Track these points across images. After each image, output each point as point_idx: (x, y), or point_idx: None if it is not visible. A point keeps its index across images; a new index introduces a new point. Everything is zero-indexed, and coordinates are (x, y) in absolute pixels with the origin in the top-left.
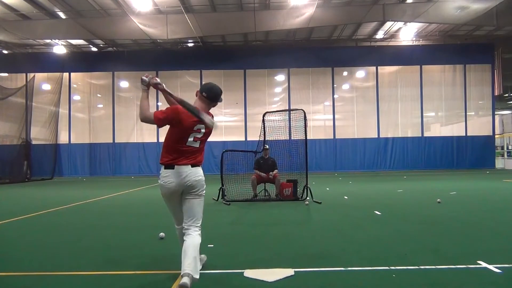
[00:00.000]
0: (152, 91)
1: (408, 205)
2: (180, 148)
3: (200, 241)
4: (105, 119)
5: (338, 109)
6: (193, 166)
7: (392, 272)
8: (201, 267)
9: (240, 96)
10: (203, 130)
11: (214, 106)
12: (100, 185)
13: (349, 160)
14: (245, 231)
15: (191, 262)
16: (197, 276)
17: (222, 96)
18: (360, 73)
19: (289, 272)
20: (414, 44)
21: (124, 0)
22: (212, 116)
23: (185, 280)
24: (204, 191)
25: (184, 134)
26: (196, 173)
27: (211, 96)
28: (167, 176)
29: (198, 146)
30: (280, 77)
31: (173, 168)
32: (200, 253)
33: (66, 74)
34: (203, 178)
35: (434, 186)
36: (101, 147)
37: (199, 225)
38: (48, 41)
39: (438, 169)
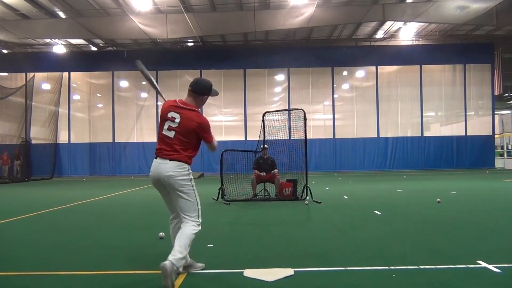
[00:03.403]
0: (151, 90)
1: (408, 205)
2: (160, 136)
3: (191, 231)
4: (105, 118)
5: (338, 109)
6: (170, 160)
7: (391, 272)
8: (187, 266)
9: (240, 95)
10: (177, 120)
11: (202, 99)
12: (100, 184)
13: (349, 160)
14: (245, 231)
15: (175, 250)
16: (177, 265)
17: (218, 92)
18: (360, 73)
19: (289, 272)
20: (414, 43)
21: None
22: (194, 111)
23: (164, 264)
24: (186, 188)
25: (161, 121)
26: (168, 169)
27: (195, 89)
28: (152, 166)
29: (172, 136)
30: (280, 77)
31: (156, 158)
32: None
33: (66, 74)
34: (177, 174)
35: (434, 186)
36: (100, 146)
37: (193, 218)
38: (48, 40)
39: (437, 169)
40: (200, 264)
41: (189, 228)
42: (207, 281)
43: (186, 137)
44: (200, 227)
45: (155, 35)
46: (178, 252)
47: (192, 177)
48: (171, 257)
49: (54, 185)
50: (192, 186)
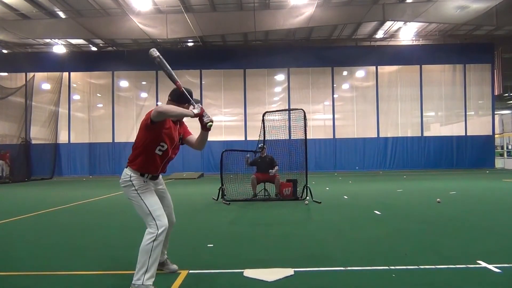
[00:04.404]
0: (151, 90)
1: (408, 205)
2: None
3: (144, 242)
4: (105, 118)
5: (338, 109)
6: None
7: (392, 272)
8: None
9: (240, 95)
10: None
11: (183, 107)
12: (100, 184)
13: (349, 160)
14: (245, 231)
15: (135, 272)
16: (141, 283)
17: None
18: (360, 72)
19: (289, 271)
20: (414, 43)
21: None
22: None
23: None
24: (129, 194)
25: None
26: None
27: (171, 96)
28: None
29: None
30: (280, 77)
31: None
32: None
33: (65, 74)
34: (123, 179)
35: (434, 186)
36: (100, 146)
37: (147, 223)
38: (48, 40)
39: (438, 169)
40: (173, 267)
41: (144, 239)
42: (207, 281)
43: (135, 140)
44: (158, 230)
45: (155, 35)
46: (136, 271)
47: (136, 181)
48: (132, 281)
49: (54, 185)
50: (136, 190)
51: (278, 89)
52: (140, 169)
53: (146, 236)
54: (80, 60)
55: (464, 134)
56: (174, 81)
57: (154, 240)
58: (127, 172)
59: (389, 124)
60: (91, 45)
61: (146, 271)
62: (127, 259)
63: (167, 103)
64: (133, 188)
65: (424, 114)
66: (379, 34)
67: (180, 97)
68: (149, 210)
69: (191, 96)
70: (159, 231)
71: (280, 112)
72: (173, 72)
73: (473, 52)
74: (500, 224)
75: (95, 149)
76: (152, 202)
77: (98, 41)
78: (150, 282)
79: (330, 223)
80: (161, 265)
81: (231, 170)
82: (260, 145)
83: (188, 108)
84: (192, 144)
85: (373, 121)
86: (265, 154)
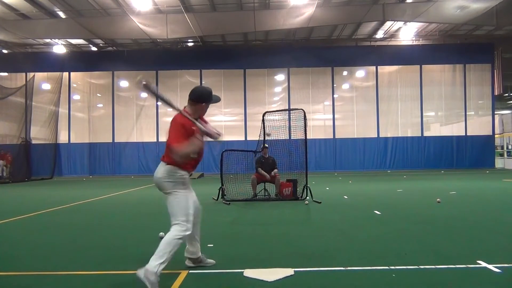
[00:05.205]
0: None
1: (408, 205)
2: None
3: (171, 235)
4: (105, 118)
5: (338, 109)
6: (162, 162)
7: (391, 272)
8: (198, 261)
9: (240, 95)
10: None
11: (202, 106)
12: (100, 184)
13: (349, 160)
14: (245, 230)
15: (152, 258)
16: (153, 271)
17: (220, 98)
18: (360, 72)
19: (289, 271)
20: (414, 43)
21: None
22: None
23: (137, 272)
24: (170, 190)
25: None
26: (157, 171)
27: (191, 96)
28: None
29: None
30: (280, 77)
31: None
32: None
33: (66, 74)
34: (162, 177)
35: (434, 186)
36: (100, 146)
37: (177, 222)
38: (48, 40)
39: (438, 169)
40: (210, 261)
41: (171, 233)
42: (207, 281)
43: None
44: (186, 231)
45: (155, 35)
46: (155, 258)
47: (185, 180)
48: (148, 265)
49: (54, 185)
50: (184, 188)
51: (278, 89)
52: (186, 167)
53: (174, 232)
54: (80, 60)
55: (464, 134)
56: (172, 107)
57: (180, 238)
58: (176, 170)
59: (389, 124)
60: (91, 45)
61: (162, 263)
62: (127, 259)
63: (188, 103)
64: (181, 186)
65: (424, 114)
66: (379, 34)
67: (199, 97)
68: (187, 211)
69: (211, 95)
70: (187, 233)
71: (280, 112)
72: (172, 102)
73: (473, 52)
74: (500, 224)
75: (95, 149)
76: (192, 205)
77: (98, 41)
78: (160, 272)
79: (330, 223)
80: (198, 261)
81: (231, 170)
82: (262, 145)
83: (204, 108)
84: None
85: (373, 121)
86: (267, 155)
